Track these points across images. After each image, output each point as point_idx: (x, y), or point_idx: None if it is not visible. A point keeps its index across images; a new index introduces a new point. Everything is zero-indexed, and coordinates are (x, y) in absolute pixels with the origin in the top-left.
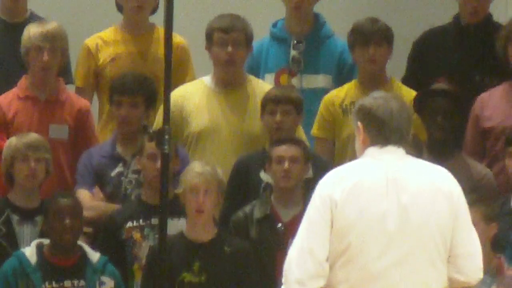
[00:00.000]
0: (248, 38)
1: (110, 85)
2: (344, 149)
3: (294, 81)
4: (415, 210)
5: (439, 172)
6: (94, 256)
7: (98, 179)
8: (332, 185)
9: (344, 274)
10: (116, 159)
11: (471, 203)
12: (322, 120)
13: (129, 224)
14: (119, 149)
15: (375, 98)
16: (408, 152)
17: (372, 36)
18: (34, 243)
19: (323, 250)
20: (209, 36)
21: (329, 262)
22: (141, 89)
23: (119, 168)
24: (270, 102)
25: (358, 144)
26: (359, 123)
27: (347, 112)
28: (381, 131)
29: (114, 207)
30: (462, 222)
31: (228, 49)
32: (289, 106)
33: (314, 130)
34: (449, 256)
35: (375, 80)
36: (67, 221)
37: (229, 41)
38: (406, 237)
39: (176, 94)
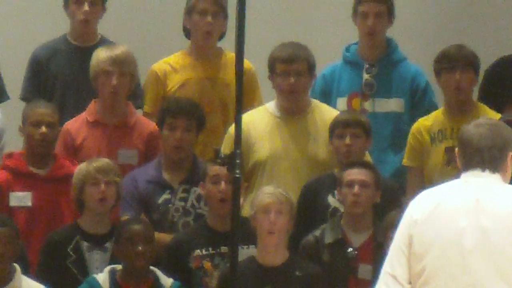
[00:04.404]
0: (310, 66)
1: (163, 107)
2: (431, 176)
3: (367, 105)
4: (494, 233)
5: None
6: (167, 281)
7: (144, 205)
8: (416, 205)
9: None
10: (162, 186)
11: None
12: (411, 149)
13: (197, 252)
14: (165, 176)
15: (470, 124)
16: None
17: (458, 62)
18: (107, 269)
19: (403, 272)
20: (271, 66)
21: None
22: (195, 113)
23: (166, 195)
24: (339, 126)
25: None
26: (456, 148)
27: (435, 140)
28: (467, 154)
29: (164, 236)
30: None
31: (291, 80)
32: (358, 129)
33: (405, 160)
34: None
35: (461, 106)
36: (140, 247)
37: (291, 72)
38: (483, 258)
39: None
